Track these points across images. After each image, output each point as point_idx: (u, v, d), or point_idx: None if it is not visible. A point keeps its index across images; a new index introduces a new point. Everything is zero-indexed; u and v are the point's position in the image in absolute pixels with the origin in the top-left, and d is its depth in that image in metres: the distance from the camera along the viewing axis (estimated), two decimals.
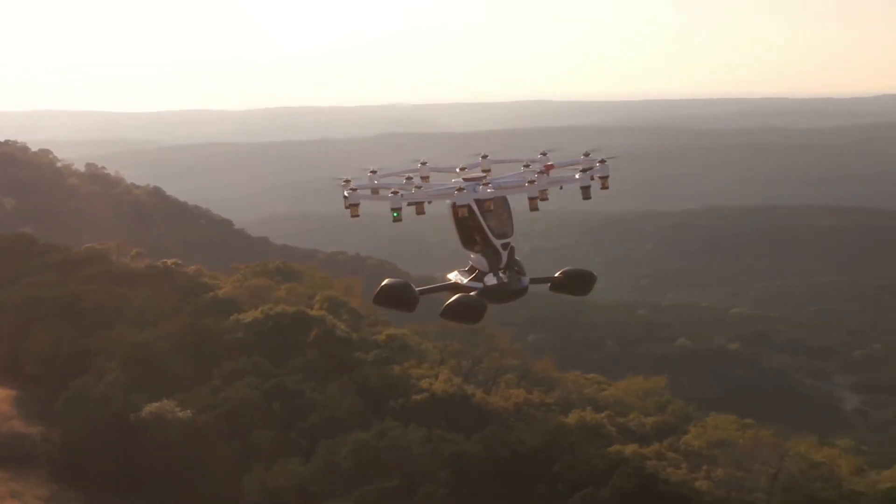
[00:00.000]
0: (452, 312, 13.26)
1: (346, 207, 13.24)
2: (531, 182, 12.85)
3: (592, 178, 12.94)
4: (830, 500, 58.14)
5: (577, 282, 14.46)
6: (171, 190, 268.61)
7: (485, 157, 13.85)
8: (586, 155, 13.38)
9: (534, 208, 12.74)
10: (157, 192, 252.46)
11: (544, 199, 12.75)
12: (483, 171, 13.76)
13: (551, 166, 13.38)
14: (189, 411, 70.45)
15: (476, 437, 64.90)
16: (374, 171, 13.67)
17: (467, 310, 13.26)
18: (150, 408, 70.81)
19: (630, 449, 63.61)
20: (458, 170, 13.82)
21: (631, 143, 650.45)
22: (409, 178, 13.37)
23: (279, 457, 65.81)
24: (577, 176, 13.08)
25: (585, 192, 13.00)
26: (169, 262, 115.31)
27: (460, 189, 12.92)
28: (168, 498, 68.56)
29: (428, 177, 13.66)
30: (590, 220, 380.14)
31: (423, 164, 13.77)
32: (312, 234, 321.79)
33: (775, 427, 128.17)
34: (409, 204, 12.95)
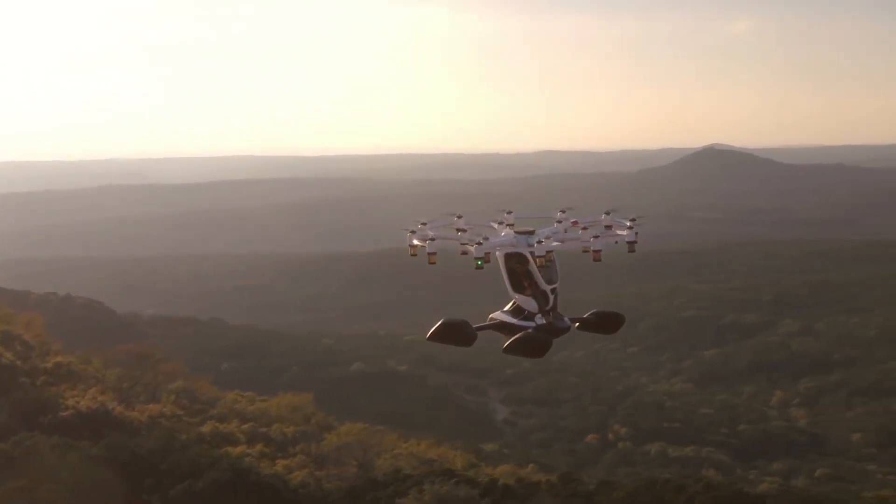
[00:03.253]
0: (521, 347, 13.55)
1: (414, 254, 13.78)
2: (596, 237, 13.10)
3: (637, 235, 13.32)
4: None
5: (607, 322, 14.59)
6: None
7: (509, 213, 14.11)
8: (607, 213, 13.87)
9: (597, 259, 12.98)
10: None
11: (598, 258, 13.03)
12: (508, 224, 13.99)
13: (576, 222, 13.90)
14: None
15: (103, 442, 65.89)
16: (424, 223, 13.92)
17: (535, 346, 13.51)
18: None
19: (239, 449, 65.57)
20: (495, 224, 14.07)
21: (325, 194, 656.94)
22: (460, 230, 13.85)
23: None
24: (625, 233, 13.40)
25: (631, 246, 13.33)
26: None
27: (539, 242, 13.21)
28: None
29: (465, 229, 13.93)
30: (287, 261, 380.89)
31: (459, 217, 14.11)
32: (38, 276, 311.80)
33: (435, 435, 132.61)
34: (430, 253, 13.38)
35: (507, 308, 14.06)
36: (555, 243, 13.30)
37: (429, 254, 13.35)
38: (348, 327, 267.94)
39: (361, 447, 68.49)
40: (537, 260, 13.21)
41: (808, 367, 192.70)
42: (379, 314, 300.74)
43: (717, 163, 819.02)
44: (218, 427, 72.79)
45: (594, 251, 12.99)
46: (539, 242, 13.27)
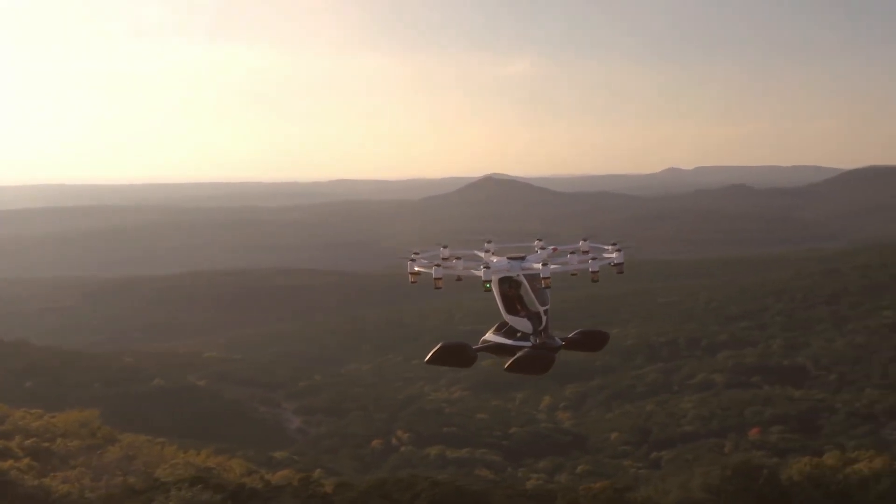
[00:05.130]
0: (526, 366, 13.09)
1: (414, 281, 13.35)
2: (593, 259, 12.80)
3: (621, 260, 13.13)
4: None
5: (593, 340, 14.14)
6: None
7: (489, 241, 13.87)
8: (585, 240, 13.62)
9: (595, 280, 12.69)
10: None
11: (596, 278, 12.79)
12: (488, 251, 13.80)
13: (556, 249, 13.54)
14: None
15: None
16: (417, 252, 13.56)
17: (540, 363, 13.09)
18: None
19: (8, 463, 63.10)
20: (481, 253, 13.80)
21: (128, 220, 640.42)
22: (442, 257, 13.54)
23: None
24: (614, 255, 13.15)
25: (619, 267, 13.10)
26: None
27: (544, 264, 12.73)
28: None
29: (459, 257, 13.66)
30: (90, 283, 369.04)
31: (445, 247, 13.76)
32: None
33: (230, 445, 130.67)
34: (437, 279, 12.87)
35: (495, 330, 13.84)
36: (554, 266, 12.99)
37: (435, 279, 12.97)
38: (149, 346, 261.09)
39: (141, 458, 66.71)
40: (543, 281, 12.92)
41: (574, 374, 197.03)
42: (179, 333, 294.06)
43: (495, 190, 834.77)
44: None
45: (593, 272, 12.82)
46: (545, 266, 12.95)
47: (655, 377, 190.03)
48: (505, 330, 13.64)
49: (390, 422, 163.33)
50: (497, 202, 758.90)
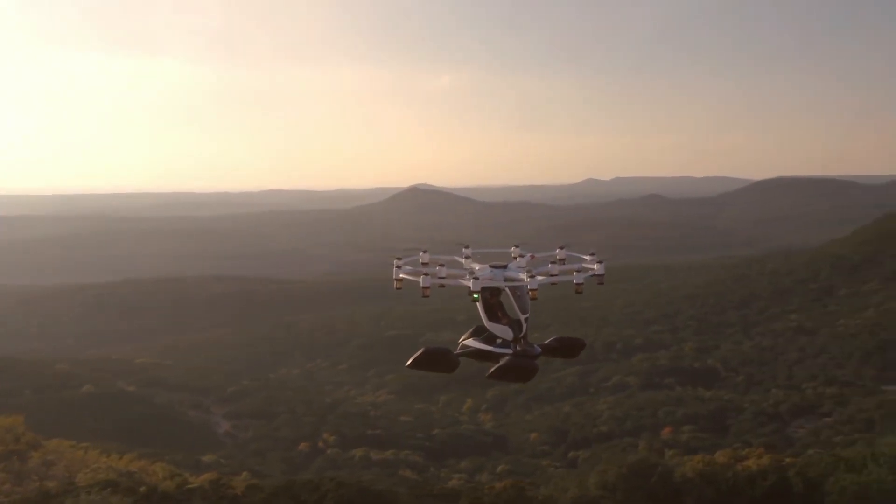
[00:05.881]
0: (511, 373, 12.50)
1: (399, 287, 12.52)
2: (579, 271, 12.25)
3: (602, 271, 12.49)
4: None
5: (569, 347, 13.47)
6: None
7: (467, 247, 13.17)
8: (562, 248, 13.00)
9: (579, 292, 12.24)
10: None
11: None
12: (468, 258, 13.06)
13: (534, 256, 13.05)
14: None
15: None
16: (399, 258, 12.67)
17: (525, 371, 12.46)
18: None
19: None
20: (461, 259, 13.05)
21: (67, 227, 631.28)
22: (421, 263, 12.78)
23: None
24: (595, 267, 12.55)
25: (601, 278, 12.50)
26: None
27: (532, 276, 12.10)
28: None
29: (444, 264, 12.77)
30: (25, 291, 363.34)
31: (425, 251, 12.97)
32: None
33: (158, 449, 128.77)
34: (425, 287, 12.10)
35: (474, 336, 13.09)
36: (540, 277, 12.37)
37: (423, 287, 12.19)
38: (84, 353, 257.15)
39: (63, 463, 65.42)
40: (531, 293, 12.27)
41: None
42: (114, 341, 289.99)
43: (421, 200, 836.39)
44: None
45: (577, 283, 12.28)
46: (532, 277, 12.31)
47: (573, 380, 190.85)
48: (484, 336, 12.99)
49: (317, 425, 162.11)
50: (423, 211, 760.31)
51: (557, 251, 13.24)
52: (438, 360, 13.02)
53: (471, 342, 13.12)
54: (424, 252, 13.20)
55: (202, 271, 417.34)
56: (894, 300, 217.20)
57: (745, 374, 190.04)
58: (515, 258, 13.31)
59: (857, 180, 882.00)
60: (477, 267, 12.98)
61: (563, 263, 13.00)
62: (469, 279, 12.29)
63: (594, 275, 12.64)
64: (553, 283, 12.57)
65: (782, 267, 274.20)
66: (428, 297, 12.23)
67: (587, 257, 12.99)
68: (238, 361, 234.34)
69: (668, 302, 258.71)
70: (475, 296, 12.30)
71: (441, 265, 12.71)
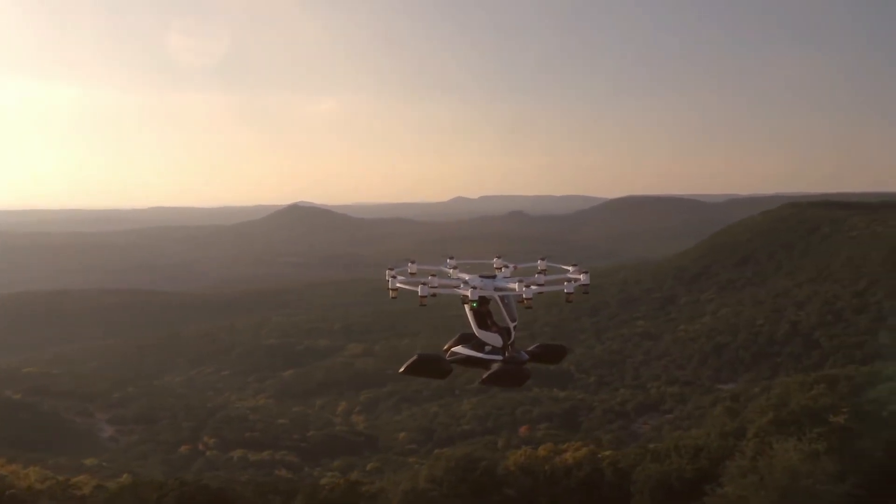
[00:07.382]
0: (504, 379, 12.39)
1: (394, 296, 12.30)
2: (569, 281, 12.12)
3: (587, 280, 12.44)
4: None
5: (552, 353, 13.24)
6: None
7: (451, 258, 13.01)
8: (543, 259, 12.74)
9: (570, 300, 12.10)
10: None
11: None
12: (455, 268, 12.89)
13: (515, 266, 12.92)
14: None
15: None
16: (392, 268, 12.59)
17: (517, 377, 12.36)
18: None
19: None
20: (448, 269, 12.91)
21: None
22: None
23: None
24: (581, 277, 12.41)
25: (586, 287, 12.35)
26: None
27: (527, 286, 12.00)
28: None
29: (435, 274, 12.91)
30: None
31: (413, 262, 13.15)
32: None
33: (39, 454, 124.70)
34: (422, 296, 11.96)
35: (463, 343, 12.96)
36: (534, 287, 12.31)
37: (421, 297, 12.04)
38: None
39: None
40: (525, 301, 12.23)
41: (368, 382, 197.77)
42: (2, 351, 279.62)
43: (300, 217, 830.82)
44: None
45: (568, 293, 12.20)
46: (527, 287, 12.26)
47: (439, 383, 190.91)
48: (473, 343, 12.87)
49: (198, 429, 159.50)
50: (302, 228, 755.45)
51: (539, 262, 13.15)
52: (431, 366, 13.01)
53: (460, 349, 13.00)
54: (412, 262, 13.23)
55: (93, 284, 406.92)
56: (727, 307, 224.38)
57: (596, 375, 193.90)
58: (500, 269, 13.32)
59: (702, 199, 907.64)
60: (467, 277, 12.89)
61: (546, 274, 12.97)
62: (465, 288, 12.32)
63: (583, 284, 12.63)
64: (540, 293, 12.49)
65: (631, 277, 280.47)
66: (425, 305, 12.13)
67: (569, 268, 13.04)
68: (125, 370, 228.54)
69: (528, 309, 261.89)
70: (473, 303, 12.36)
71: (433, 275, 12.69)
